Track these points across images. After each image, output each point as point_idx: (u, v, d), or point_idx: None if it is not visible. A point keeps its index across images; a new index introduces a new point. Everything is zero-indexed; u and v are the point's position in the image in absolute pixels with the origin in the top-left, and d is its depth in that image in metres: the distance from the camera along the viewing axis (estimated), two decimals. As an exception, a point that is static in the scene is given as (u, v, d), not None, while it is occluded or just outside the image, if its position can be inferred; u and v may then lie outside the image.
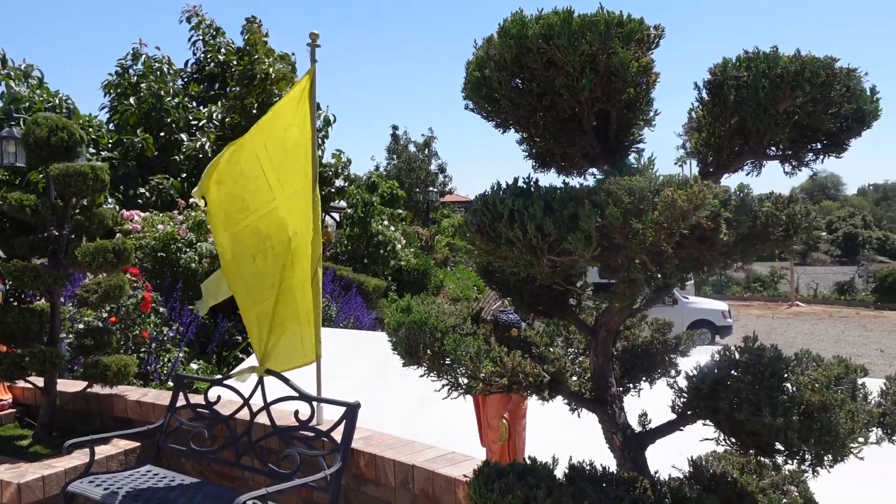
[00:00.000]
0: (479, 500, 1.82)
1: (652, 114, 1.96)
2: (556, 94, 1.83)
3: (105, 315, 7.16)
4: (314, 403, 4.27)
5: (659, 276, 1.70)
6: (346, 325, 10.07)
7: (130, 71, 15.56)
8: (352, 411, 4.01)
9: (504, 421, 3.07)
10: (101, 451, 4.91)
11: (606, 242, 1.65)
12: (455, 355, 1.96)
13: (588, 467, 1.97)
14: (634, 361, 2.54)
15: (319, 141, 15.78)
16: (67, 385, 6.00)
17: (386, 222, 14.83)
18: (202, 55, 16.39)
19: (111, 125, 15.15)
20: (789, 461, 2.01)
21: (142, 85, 14.90)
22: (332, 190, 16.56)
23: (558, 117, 1.92)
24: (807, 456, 1.96)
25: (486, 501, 1.77)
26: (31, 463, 4.83)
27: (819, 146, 1.93)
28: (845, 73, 1.81)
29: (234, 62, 15.07)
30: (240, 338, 8.93)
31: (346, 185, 16.01)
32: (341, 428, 3.99)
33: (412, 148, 35.08)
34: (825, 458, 1.94)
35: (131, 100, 14.74)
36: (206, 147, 14.33)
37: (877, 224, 59.22)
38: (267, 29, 16.33)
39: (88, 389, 5.67)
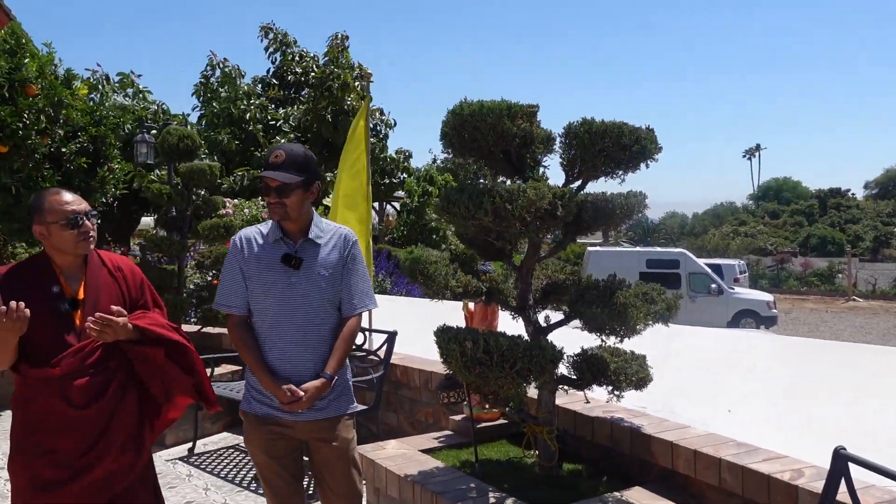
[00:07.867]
0: (437, 340, 3.61)
1: (537, 149, 3.70)
2: (479, 142, 3.59)
3: (210, 277, 9.20)
4: (366, 332, 6.10)
5: (527, 232, 3.43)
6: (399, 295, 11.97)
7: (212, 79, 17.96)
8: (391, 337, 5.83)
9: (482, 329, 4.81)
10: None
11: (497, 216, 3.39)
12: (434, 275, 3.73)
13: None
14: (552, 290, 4.27)
15: (382, 140, 17.81)
16: (185, 327, 8.02)
17: (439, 211, 16.71)
18: (279, 64, 18.63)
19: (202, 124, 17.54)
20: (610, 336, 3.72)
21: (220, 91, 17.27)
22: (395, 181, 18.56)
23: (482, 153, 3.69)
24: (619, 332, 3.66)
25: (440, 339, 3.56)
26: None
27: (623, 167, 3.65)
28: (631, 128, 3.51)
29: (314, 70, 17.20)
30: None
31: (406, 177, 17.97)
32: (384, 349, 5.83)
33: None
34: (626, 334, 3.65)
35: (213, 104, 17.09)
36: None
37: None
38: (349, 41, 18.41)
39: (202, 330, 7.67)
